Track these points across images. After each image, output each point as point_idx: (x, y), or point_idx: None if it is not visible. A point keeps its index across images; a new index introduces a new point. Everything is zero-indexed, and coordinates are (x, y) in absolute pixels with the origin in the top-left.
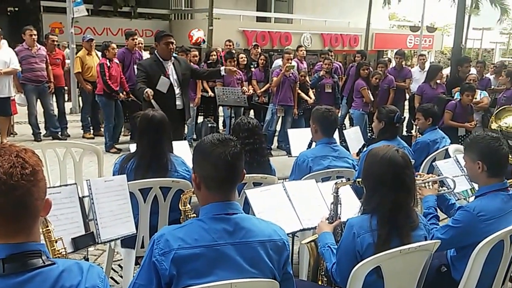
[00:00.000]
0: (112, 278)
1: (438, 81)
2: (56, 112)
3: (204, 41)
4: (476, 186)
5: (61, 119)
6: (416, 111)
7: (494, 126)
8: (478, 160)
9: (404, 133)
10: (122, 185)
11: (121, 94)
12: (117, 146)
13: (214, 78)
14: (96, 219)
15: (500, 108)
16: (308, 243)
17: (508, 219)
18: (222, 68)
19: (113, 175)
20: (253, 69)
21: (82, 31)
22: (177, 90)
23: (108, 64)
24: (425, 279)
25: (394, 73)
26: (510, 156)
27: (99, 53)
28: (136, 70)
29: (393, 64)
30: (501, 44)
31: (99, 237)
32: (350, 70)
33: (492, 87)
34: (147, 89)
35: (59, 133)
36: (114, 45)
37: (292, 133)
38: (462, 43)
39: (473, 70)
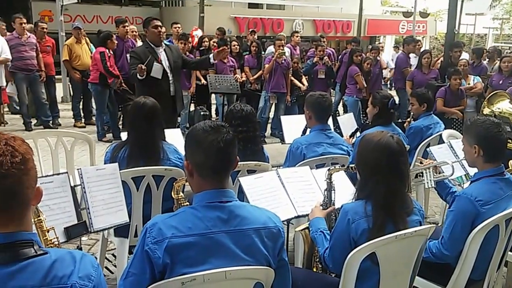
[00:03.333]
0: (106, 267)
1: (432, 67)
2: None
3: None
4: (471, 172)
5: (53, 108)
6: (410, 96)
7: (486, 111)
8: (474, 144)
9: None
10: (114, 173)
11: (121, 78)
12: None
13: (204, 67)
14: (88, 208)
15: (492, 93)
16: (302, 230)
17: (504, 204)
18: (211, 55)
19: (105, 163)
20: (245, 56)
21: (71, 19)
22: (170, 77)
23: (108, 54)
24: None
25: None
26: (510, 141)
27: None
28: (129, 58)
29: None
30: (494, 29)
31: (92, 226)
32: (343, 57)
33: (488, 72)
34: (138, 65)
35: (50, 122)
36: (115, 37)
37: (285, 120)
38: (455, 28)
39: (465, 55)
